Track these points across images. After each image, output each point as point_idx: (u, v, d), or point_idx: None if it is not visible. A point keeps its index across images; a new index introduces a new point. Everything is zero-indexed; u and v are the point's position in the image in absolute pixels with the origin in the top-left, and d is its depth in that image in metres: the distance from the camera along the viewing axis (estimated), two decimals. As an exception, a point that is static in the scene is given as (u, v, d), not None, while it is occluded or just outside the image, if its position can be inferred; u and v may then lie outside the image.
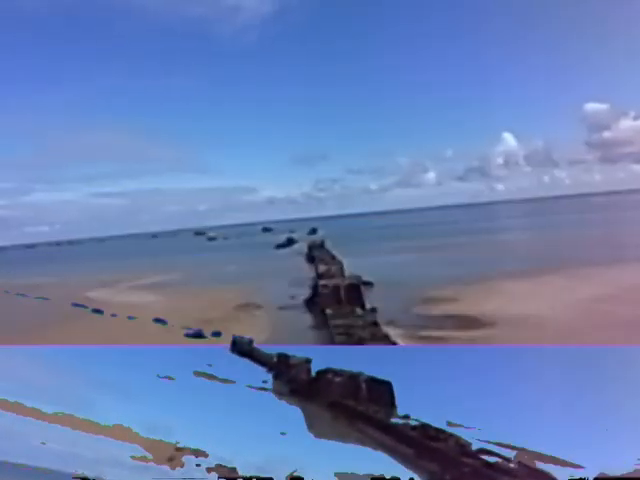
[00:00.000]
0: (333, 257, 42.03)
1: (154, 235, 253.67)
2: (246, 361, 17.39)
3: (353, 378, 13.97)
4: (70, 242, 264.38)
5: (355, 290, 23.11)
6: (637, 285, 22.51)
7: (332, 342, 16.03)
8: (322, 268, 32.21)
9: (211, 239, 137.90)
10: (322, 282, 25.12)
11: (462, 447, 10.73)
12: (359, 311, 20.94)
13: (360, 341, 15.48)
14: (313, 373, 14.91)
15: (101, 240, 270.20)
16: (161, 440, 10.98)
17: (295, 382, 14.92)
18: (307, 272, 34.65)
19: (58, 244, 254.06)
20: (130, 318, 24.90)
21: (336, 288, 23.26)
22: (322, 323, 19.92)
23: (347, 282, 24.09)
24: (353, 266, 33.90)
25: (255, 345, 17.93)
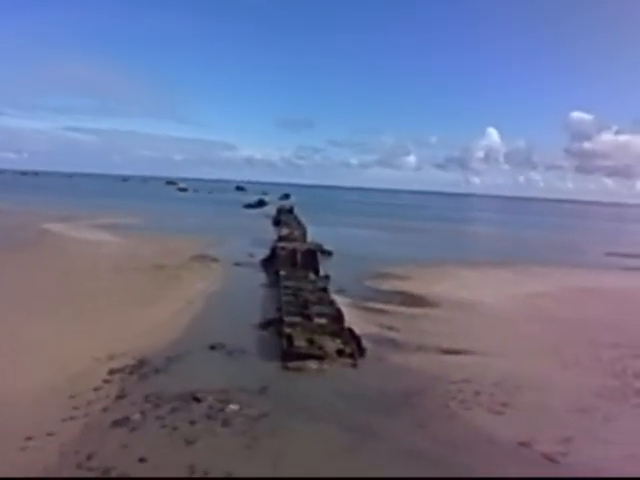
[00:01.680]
0: (299, 223, 42.21)
1: (124, 179, 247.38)
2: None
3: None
4: (36, 173, 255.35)
5: (311, 256, 23.44)
6: (573, 287, 23.60)
7: (279, 301, 16.31)
8: (284, 231, 32.40)
9: (181, 190, 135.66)
10: (281, 244, 25.36)
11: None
12: (312, 276, 21.31)
13: (305, 303, 15.84)
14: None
15: (69, 176, 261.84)
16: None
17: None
18: (271, 234, 34.65)
19: (24, 173, 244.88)
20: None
21: (293, 252, 23.54)
22: (274, 282, 20.18)
23: (305, 247, 24.39)
24: (317, 235, 34.10)
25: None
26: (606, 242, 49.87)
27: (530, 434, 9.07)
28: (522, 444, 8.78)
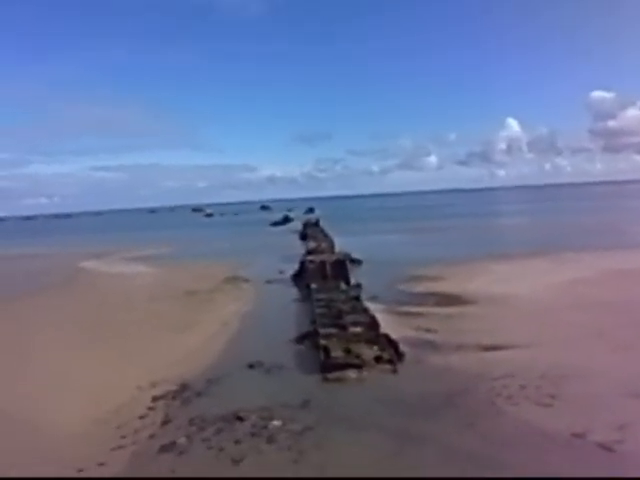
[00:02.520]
0: (325, 235, 42.28)
1: (152, 210, 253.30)
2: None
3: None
4: (68, 215, 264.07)
5: (341, 266, 23.41)
6: (613, 269, 22.85)
7: (313, 314, 16.31)
8: (312, 245, 32.49)
9: (208, 215, 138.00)
10: (309, 258, 25.43)
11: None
12: (343, 286, 21.26)
13: (339, 313, 15.80)
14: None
15: (99, 214, 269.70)
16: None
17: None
18: (299, 249, 34.78)
19: (56, 217, 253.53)
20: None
21: (322, 264, 23.56)
22: (306, 296, 20.22)
23: (334, 258, 24.39)
24: (345, 245, 34.10)
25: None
26: (642, 221, 48.13)
27: (582, 424, 8.76)
28: (575, 435, 8.49)
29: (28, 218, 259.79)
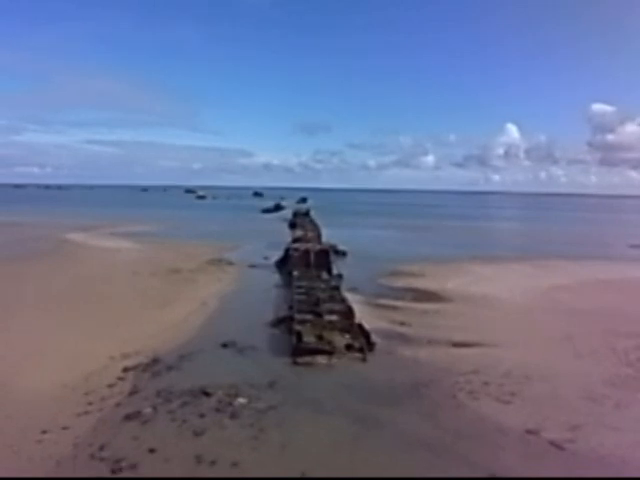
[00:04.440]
0: (314, 225, 42.39)
1: (144, 189, 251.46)
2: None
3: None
4: (59, 187, 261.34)
5: (324, 256, 23.58)
6: (593, 279, 23.25)
7: (292, 300, 16.48)
8: (299, 233, 32.63)
9: (200, 197, 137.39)
10: (294, 246, 25.59)
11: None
12: (325, 275, 21.45)
13: (317, 301, 15.98)
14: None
15: (91, 188, 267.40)
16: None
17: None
18: (287, 237, 34.89)
19: (47, 187, 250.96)
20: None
21: (306, 252, 23.72)
22: (287, 283, 20.39)
23: (318, 248, 24.56)
24: (333, 236, 34.24)
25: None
26: (630, 234, 48.70)
27: (538, 422, 9.06)
28: (529, 432, 8.78)
29: (18, 186, 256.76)
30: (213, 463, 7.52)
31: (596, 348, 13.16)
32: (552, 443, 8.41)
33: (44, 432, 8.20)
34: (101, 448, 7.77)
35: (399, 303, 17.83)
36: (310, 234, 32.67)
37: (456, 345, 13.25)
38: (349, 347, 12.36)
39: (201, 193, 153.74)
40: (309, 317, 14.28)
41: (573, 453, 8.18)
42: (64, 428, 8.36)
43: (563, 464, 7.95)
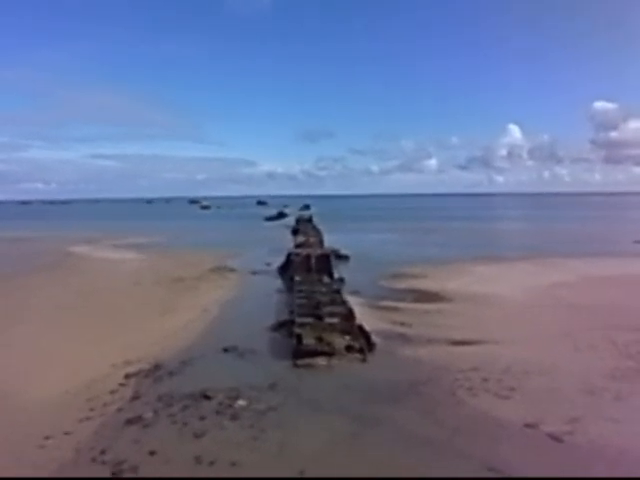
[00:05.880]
0: (316, 231, 42.56)
1: (149, 201, 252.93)
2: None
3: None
4: (64, 202, 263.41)
5: (325, 260, 23.70)
6: (596, 275, 23.22)
7: (293, 304, 16.57)
8: (300, 239, 32.79)
9: (204, 207, 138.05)
10: (296, 251, 25.73)
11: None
12: (326, 279, 21.54)
13: (317, 304, 16.06)
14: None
15: (96, 201, 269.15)
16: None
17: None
18: (289, 243, 35.06)
19: (52, 203, 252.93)
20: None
21: (307, 257, 23.84)
22: (289, 288, 20.49)
23: (319, 252, 24.69)
24: (336, 241, 34.43)
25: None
26: (636, 231, 48.45)
27: (537, 416, 9.08)
28: (528, 425, 8.80)
29: (24, 203, 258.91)
30: (212, 463, 7.61)
31: (596, 342, 13.16)
32: (550, 436, 8.44)
33: (47, 438, 8.32)
34: (102, 452, 7.87)
35: (400, 304, 17.89)
36: (312, 239, 32.82)
37: (456, 343, 13.29)
38: (349, 348, 12.43)
39: (205, 203, 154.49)
40: (310, 320, 14.36)
41: (571, 445, 8.20)
42: (66, 433, 8.48)
43: (561, 456, 7.98)
